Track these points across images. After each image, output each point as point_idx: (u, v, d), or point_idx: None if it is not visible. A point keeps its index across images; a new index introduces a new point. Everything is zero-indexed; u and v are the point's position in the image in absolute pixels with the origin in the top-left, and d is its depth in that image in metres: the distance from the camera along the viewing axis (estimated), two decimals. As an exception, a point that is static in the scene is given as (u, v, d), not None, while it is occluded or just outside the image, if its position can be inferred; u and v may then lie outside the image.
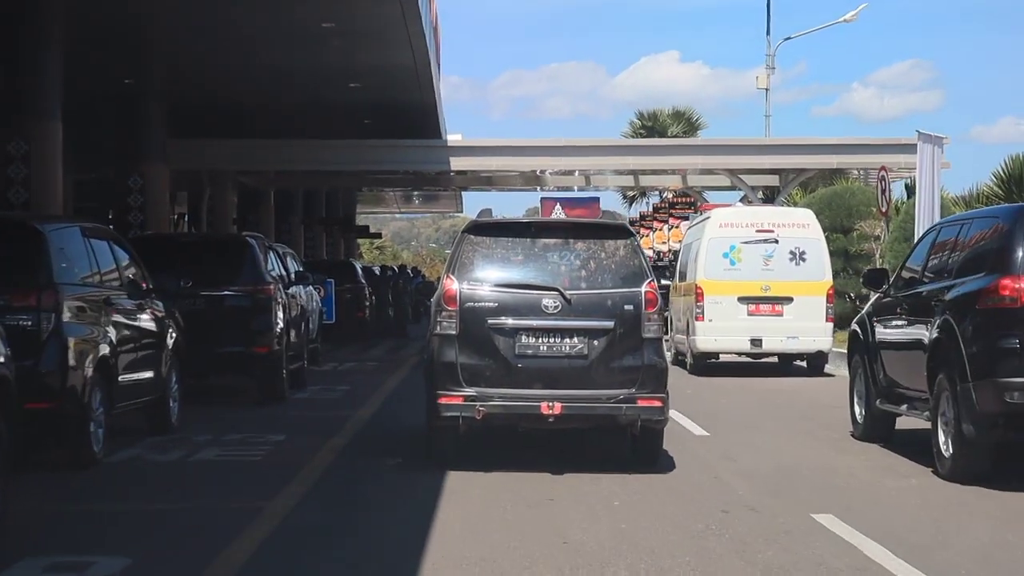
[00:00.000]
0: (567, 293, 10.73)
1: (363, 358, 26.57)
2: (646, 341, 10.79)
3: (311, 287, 24.49)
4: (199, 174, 34.29)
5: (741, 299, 21.60)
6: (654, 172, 33.53)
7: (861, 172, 31.48)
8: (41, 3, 19.74)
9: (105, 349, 11.40)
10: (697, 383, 20.45)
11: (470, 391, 10.66)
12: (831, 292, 21.86)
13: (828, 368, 22.24)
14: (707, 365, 22.08)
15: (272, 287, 16.71)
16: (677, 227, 52.62)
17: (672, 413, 12.73)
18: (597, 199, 70.97)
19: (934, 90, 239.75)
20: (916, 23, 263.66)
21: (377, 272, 40.48)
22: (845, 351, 22.94)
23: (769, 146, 30.65)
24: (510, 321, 10.72)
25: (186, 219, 36.98)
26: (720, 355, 22.49)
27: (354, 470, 11.33)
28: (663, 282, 38.64)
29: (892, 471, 11.34)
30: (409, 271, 49.21)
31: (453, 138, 32.45)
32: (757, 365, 23.16)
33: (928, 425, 11.19)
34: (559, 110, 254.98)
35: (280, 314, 16.95)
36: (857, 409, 13.43)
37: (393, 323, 35.12)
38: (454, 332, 10.74)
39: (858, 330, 13.47)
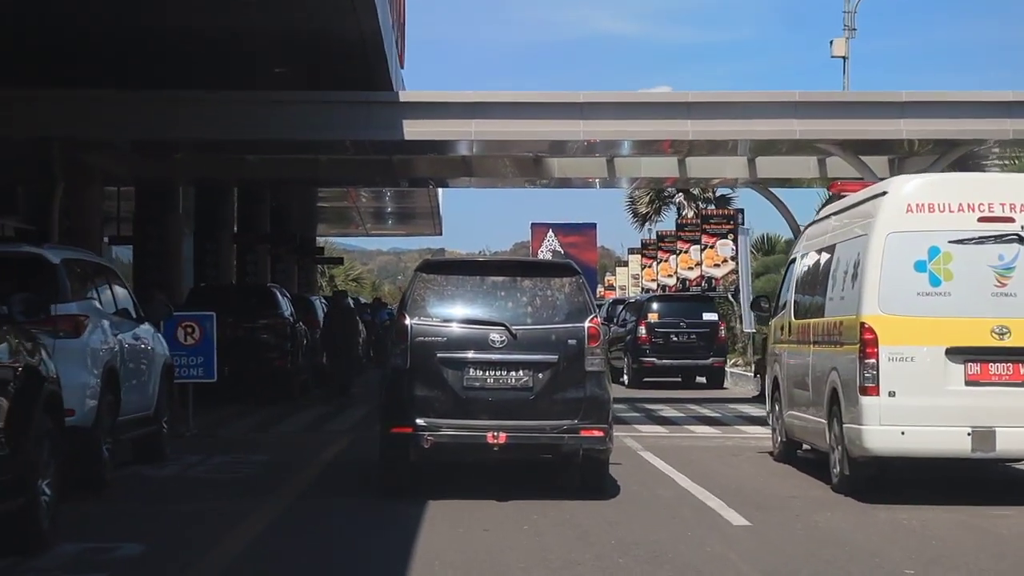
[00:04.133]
0: (513, 328, 11.14)
1: (257, 441, 16.57)
2: (588, 374, 11.19)
3: (143, 328, 13.99)
4: (46, 159, 22.86)
5: (953, 353, 11.03)
6: (711, 147, 21.48)
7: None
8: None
9: None
10: (883, 533, 9.77)
11: (420, 421, 11.00)
12: None
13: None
14: (873, 475, 11.49)
15: None
16: (712, 247, 43.44)
17: None
18: (594, 225, 61.58)
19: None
20: (893, 64, 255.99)
21: (320, 305, 29.83)
22: None
23: (914, 104, 18.64)
24: (458, 355, 11.15)
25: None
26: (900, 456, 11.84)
27: None
28: (708, 318, 29.74)
29: None
30: (368, 303, 38.44)
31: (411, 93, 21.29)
32: (938, 470, 12.42)
33: None
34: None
35: None
36: None
37: (342, 373, 23.95)
38: (405, 365, 11.10)
39: None
